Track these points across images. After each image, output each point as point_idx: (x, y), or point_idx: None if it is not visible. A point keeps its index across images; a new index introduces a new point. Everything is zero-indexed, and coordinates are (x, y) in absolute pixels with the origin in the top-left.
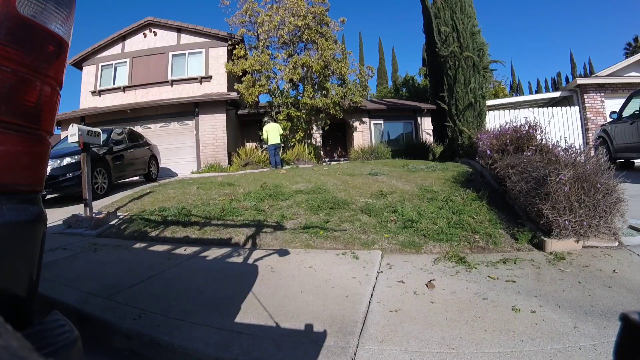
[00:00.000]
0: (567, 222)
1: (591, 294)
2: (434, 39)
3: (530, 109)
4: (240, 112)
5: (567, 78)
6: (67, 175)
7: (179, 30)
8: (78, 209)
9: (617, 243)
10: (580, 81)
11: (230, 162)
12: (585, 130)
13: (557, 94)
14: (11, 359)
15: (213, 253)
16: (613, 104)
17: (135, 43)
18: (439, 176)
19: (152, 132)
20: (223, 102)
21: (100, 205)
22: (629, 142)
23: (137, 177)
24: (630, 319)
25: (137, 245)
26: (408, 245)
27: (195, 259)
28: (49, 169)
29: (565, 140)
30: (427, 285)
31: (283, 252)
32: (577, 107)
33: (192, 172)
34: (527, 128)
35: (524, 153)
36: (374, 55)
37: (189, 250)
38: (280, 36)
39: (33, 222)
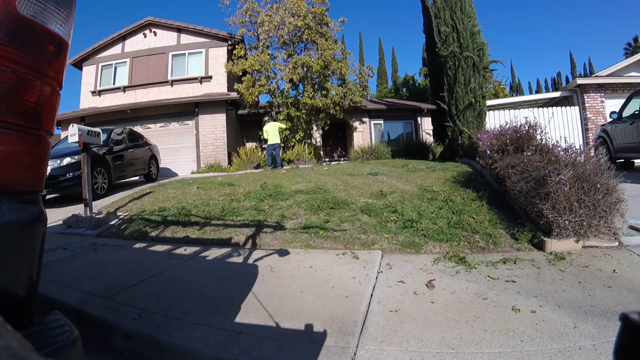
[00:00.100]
0: (567, 222)
1: (591, 294)
2: (434, 39)
3: (530, 109)
4: (240, 112)
5: (567, 78)
6: (67, 175)
7: (179, 30)
8: (78, 209)
9: (617, 243)
10: (580, 81)
11: (230, 162)
12: (585, 130)
13: (557, 94)
14: (11, 359)
15: (213, 253)
16: (613, 104)
17: (135, 43)
18: (439, 176)
19: (152, 132)
20: (223, 102)
21: (100, 205)
22: (629, 142)
23: (137, 177)
24: (630, 319)
25: (137, 245)
26: (408, 245)
27: (195, 259)
28: (49, 169)
29: (565, 140)
30: (427, 285)
31: (283, 252)
32: (577, 107)
33: (192, 172)
34: (527, 128)
35: (524, 153)
36: (374, 55)
37: (189, 250)
38: (280, 36)
39: (33, 222)
